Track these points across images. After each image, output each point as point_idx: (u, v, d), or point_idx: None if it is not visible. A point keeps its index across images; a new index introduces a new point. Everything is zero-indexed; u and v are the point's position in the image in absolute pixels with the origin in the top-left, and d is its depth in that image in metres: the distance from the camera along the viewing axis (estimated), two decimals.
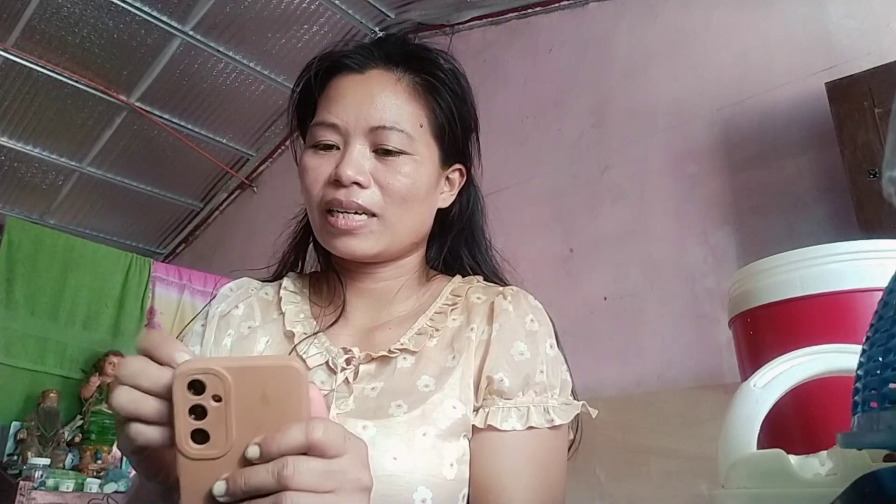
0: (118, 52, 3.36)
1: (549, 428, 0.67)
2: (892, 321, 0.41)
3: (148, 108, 3.65)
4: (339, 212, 0.70)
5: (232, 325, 0.77)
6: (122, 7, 3.08)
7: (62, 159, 4.00)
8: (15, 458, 2.78)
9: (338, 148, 0.72)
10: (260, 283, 0.84)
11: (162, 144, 3.93)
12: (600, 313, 2.20)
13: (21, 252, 4.13)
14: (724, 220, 2.06)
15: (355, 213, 0.70)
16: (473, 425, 0.68)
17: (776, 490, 0.43)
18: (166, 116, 3.72)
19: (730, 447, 0.50)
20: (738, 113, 2.10)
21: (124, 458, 2.97)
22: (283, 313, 0.77)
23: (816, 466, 0.44)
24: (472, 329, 0.73)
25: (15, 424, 2.97)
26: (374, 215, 0.70)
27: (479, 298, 0.76)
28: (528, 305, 0.75)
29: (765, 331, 1.09)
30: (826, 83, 1.80)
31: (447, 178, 0.79)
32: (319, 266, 0.84)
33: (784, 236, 1.85)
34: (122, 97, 3.57)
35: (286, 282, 0.81)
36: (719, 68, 2.17)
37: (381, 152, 0.71)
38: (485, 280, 0.81)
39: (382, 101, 0.72)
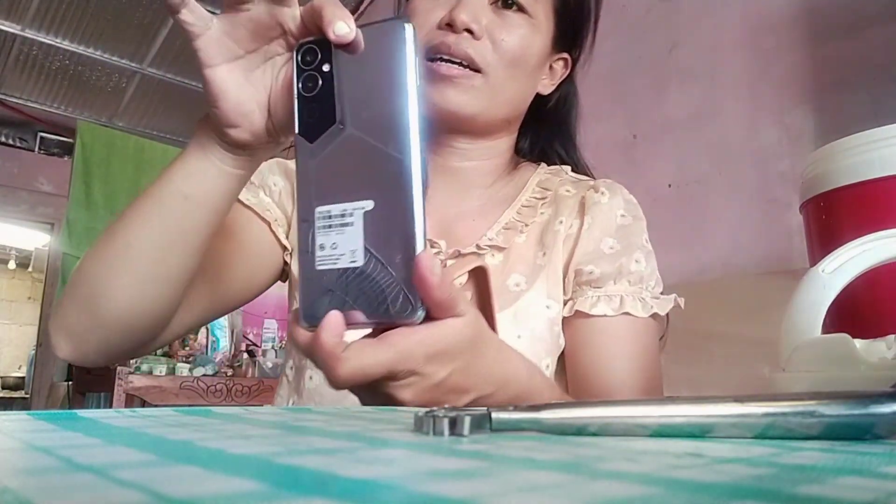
0: None
1: (647, 317, 0.66)
2: None
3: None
4: (443, 59, 0.65)
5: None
6: None
7: (123, 61, 4.05)
8: None
9: None
10: None
11: None
12: (664, 201, 2.14)
13: (94, 154, 4.32)
14: (802, 97, 1.92)
15: (461, 63, 0.65)
16: (564, 317, 0.67)
17: (839, 373, 0.42)
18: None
19: (793, 332, 0.50)
20: None
21: (209, 344, 3.20)
22: None
23: (882, 350, 0.43)
24: (560, 222, 0.70)
25: None
26: (479, 71, 0.65)
27: (568, 192, 0.74)
28: (623, 199, 0.73)
29: (838, 215, 1.04)
30: None
31: (551, 65, 0.75)
32: None
33: (868, 114, 1.72)
34: None
35: None
36: None
37: (501, 4, 0.67)
38: (572, 171, 0.78)
39: None
